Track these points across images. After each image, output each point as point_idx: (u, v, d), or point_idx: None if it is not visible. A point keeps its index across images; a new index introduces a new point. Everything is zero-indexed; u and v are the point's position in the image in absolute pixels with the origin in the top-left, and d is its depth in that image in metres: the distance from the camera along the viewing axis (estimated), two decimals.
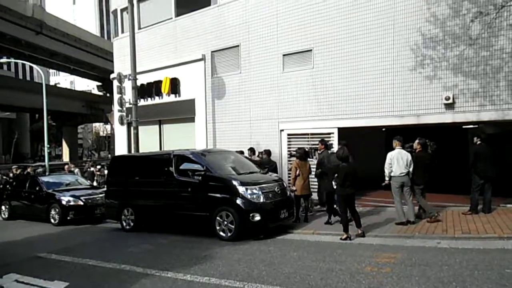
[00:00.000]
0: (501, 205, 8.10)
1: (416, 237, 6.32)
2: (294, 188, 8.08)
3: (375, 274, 4.62)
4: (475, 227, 6.50)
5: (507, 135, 10.60)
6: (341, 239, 6.51)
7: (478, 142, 7.58)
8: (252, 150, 10.54)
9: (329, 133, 10.38)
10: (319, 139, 8.89)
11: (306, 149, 8.97)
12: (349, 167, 6.56)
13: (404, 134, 13.31)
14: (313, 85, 10.59)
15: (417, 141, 7.48)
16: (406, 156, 7.18)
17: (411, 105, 9.08)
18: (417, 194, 7.29)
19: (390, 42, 9.27)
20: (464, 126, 11.69)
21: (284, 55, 11.12)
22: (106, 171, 13.95)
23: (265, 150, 10.04)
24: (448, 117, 8.67)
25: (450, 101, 8.47)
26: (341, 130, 10.22)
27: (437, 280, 4.27)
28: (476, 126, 10.95)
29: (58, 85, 62.80)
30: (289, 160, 11.21)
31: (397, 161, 7.09)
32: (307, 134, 10.85)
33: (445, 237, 6.16)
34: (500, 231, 6.12)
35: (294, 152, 8.86)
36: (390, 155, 7.24)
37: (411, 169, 7.14)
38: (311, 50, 10.58)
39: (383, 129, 13.50)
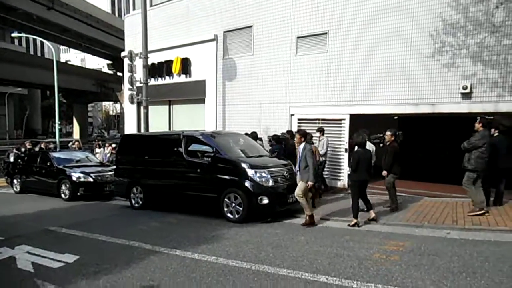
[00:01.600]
0: None
1: (425, 226, 6.26)
2: None
3: (383, 261, 4.60)
4: (486, 219, 6.41)
5: None
6: (349, 225, 6.49)
7: (496, 134, 7.37)
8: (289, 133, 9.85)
9: (341, 119, 10.26)
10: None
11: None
12: (364, 153, 6.52)
13: (417, 122, 13.11)
14: (327, 70, 10.39)
15: (388, 132, 7.45)
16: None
17: (427, 93, 8.86)
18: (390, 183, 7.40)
19: (409, 27, 8.99)
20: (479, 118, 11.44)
21: (298, 37, 10.89)
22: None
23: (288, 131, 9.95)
24: (464, 107, 8.46)
25: (468, 90, 8.25)
26: (352, 117, 10.08)
27: (447, 270, 4.23)
28: (492, 117, 10.71)
29: (69, 62, 62.92)
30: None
31: None
32: (318, 119, 10.72)
33: (455, 227, 6.09)
34: (511, 223, 6.02)
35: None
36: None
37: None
38: (326, 33, 10.33)
39: (395, 117, 13.29)
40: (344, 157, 10.16)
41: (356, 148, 6.77)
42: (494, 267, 4.26)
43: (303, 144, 6.81)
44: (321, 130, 9.64)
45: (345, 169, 10.18)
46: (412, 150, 15.33)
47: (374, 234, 5.96)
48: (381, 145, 7.86)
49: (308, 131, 8.88)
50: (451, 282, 3.86)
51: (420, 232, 6.00)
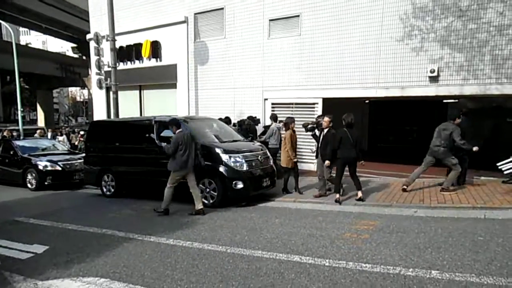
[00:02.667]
0: (475, 177, 8.42)
1: (394, 206, 6.52)
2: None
3: (354, 240, 4.76)
4: (450, 198, 6.75)
5: (485, 110, 10.89)
6: (336, 200, 6.88)
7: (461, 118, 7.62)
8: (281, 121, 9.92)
9: (314, 103, 10.36)
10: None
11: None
12: (349, 132, 6.70)
13: (387, 106, 13.48)
14: (300, 53, 10.40)
15: (326, 118, 7.21)
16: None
17: (396, 76, 9.10)
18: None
19: (380, 10, 9.11)
20: (445, 101, 11.92)
21: (270, 20, 10.80)
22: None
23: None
24: (431, 90, 8.76)
25: (435, 74, 8.53)
26: (325, 101, 10.20)
27: (414, 246, 4.44)
28: (457, 100, 11.18)
29: (29, 45, 59.40)
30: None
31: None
32: (292, 103, 10.78)
33: (422, 206, 6.38)
34: (473, 201, 6.38)
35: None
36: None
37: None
38: (298, 16, 10.30)
39: (366, 101, 13.58)
40: None
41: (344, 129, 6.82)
42: (457, 242, 4.52)
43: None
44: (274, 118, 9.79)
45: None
46: (383, 133, 15.86)
47: (346, 215, 6.15)
48: (315, 131, 7.62)
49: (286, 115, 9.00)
50: (418, 257, 4.06)
51: (389, 212, 6.24)
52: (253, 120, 10.23)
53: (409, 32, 8.76)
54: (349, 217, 5.97)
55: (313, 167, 10.57)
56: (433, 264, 3.85)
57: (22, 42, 64.19)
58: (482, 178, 8.42)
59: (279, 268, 3.94)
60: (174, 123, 6.79)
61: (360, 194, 6.91)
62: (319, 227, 5.42)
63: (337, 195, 6.95)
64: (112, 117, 12.22)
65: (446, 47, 8.48)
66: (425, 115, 14.62)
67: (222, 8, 11.63)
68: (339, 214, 6.20)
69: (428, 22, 8.56)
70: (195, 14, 12.23)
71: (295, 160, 7.71)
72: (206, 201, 7.09)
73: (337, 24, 9.71)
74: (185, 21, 12.36)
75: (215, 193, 6.99)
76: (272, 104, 11.15)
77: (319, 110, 10.23)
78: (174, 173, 6.60)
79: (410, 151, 12.94)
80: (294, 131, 7.76)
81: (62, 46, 67.84)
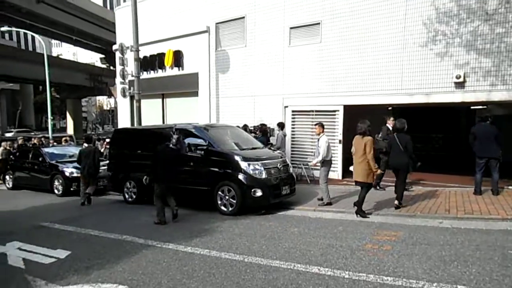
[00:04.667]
0: (505, 187, 8.02)
1: (418, 216, 6.28)
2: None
3: (375, 252, 4.60)
4: (479, 208, 6.44)
5: None
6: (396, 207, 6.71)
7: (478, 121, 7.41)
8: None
9: (335, 111, 10.23)
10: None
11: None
12: (401, 138, 6.61)
13: (411, 113, 13.14)
14: (320, 60, 10.32)
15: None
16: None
17: (421, 83, 8.85)
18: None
19: (402, 16, 8.94)
20: (472, 107, 11.50)
21: (291, 28, 10.80)
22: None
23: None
24: (457, 97, 8.46)
25: (461, 79, 8.23)
26: (346, 108, 10.05)
27: (439, 259, 4.24)
28: (485, 107, 10.74)
29: (60, 56, 62.10)
30: (292, 138, 11.13)
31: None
32: (312, 111, 10.69)
33: (448, 217, 6.11)
34: (503, 212, 6.06)
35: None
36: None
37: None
38: (319, 24, 10.25)
39: (389, 108, 13.30)
40: (338, 148, 10.13)
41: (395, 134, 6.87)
42: (485, 255, 4.28)
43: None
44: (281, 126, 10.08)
45: (339, 161, 10.16)
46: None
47: (367, 225, 5.97)
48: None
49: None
50: (442, 271, 3.87)
51: (413, 222, 6.01)
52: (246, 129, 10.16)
53: (433, 37, 8.53)
54: (371, 227, 5.80)
55: (334, 175, 10.40)
56: (459, 279, 3.66)
57: (54, 54, 67.23)
58: None
59: (296, 279, 3.86)
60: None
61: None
62: (339, 237, 5.29)
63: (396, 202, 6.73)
64: (135, 125, 12.51)
65: (472, 52, 8.18)
66: (451, 122, 14.14)
67: (243, 17, 11.74)
68: (360, 224, 6.03)
69: (453, 27, 8.30)
70: (217, 23, 12.41)
71: (377, 172, 6.52)
72: (225, 209, 7.09)
73: (358, 30, 9.59)
74: (206, 31, 12.57)
75: (234, 201, 6.98)
76: (293, 111, 11.10)
77: (340, 118, 10.09)
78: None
79: (436, 159, 12.51)
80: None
81: (91, 57, 70.53)
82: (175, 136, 7.27)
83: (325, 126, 10.15)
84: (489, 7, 7.82)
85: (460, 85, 8.36)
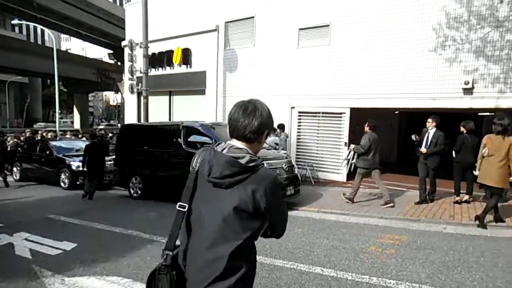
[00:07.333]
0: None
1: (422, 221, 6.28)
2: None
3: (379, 255, 4.62)
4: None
5: None
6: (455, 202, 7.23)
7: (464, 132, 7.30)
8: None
9: (341, 113, 10.23)
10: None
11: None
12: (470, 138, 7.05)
13: (417, 117, 13.08)
14: (328, 62, 10.33)
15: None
16: None
17: (428, 87, 8.83)
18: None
19: (412, 20, 8.92)
20: (480, 114, 11.43)
21: (300, 29, 10.82)
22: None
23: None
24: (465, 103, 8.43)
25: (469, 85, 8.21)
26: (353, 110, 10.05)
27: (442, 264, 4.25)
28: (493, 113, 10.67)
29: (69, 51, 62.54)
30: (298, 139, 11.15)
31: None
32: (318, 112, 10.70)
33: (452, 222, 6.11)
34: (509, 220, 6.04)
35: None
36: None
37: None
38: (328, 26, 10.26)
39: (396, 112, 13.26)
40: (344, 151, 10.14)
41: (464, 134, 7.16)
42: (489, 262, 4.28)
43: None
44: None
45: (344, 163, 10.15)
46: (414, 145, 15.36)
47: (371, 228, 5.99)
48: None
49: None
50: (446, 276, 3.88)
51: (417, 227, 6.01)
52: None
53: (443, 43, 8.50)
54: (375, 230, 5.81)
55: (338, 177, 10.41)
56: (462, 284, 3.67)
57: (63, 48, 67.72)
58: None
59: (299, 279, 3.89)
60: None
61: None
62: (342, 239, 5.31)
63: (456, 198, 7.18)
64: (142, 121, 12.60)
65: (481, 58, 8.15)
66: (457, 128, 14.05)
67: (253, 17, 11.78)
68: (364, 227, 6.05)
69: (463, 33, 8.27)
70: (226, 22, 12.46)
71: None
72: None
73: (368, 33, 9.59)
74: (216, 29, 12.61)
75: None
76: (299, 112, 11.11)
77: (346, 120, 10.09)
78: None
79: (442, 165, 12.43)
80: None
81: (99, 53, 70.95)
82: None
83: (330, 129, 10.21)
84: (500, 14, 7.78)
85: (468, 91, 8.33)
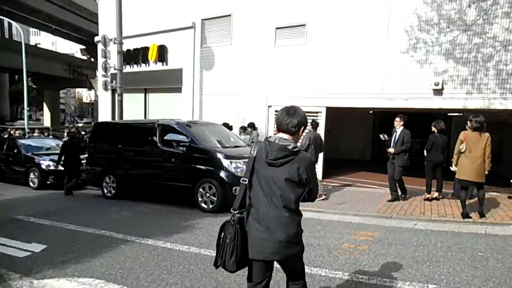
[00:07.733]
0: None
1: (394, 218, 6.47)
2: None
3: (352, 251, 4.72)
4: (452, 211, 6.70)
5: (489, 125, 10.80)
6: (424, 199, 7.55)
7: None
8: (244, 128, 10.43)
9: (317, 112, 10.36)
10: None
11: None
12: (440, 137, 7.34)
13: (391, 117, 13.44)
14: (305, 62, 10.44)
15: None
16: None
17: (401, 88, 9.10)
18: None
19: (386, 22, 9.16)
20: (449, 114, 11.88)
21: (277, 28, 10.87)
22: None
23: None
24: (435, 103, 8.74)
25: (439, 86, 8.52)
26: (329, 110, 10.21)
27: (412, 259, 4.39)
28: (461, 114, 11.13)
29: (38, 46, 60.09)
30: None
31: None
32: None
33: (422, 219, 6.32)
34: (475, 216, 6.31)
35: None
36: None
37: None
38: (305, 25, 10.37)
39: (370, 112, 13.56)
40: None
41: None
42: (456, 256, 4.47)
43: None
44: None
45: (320, 161, 10.31)
46: (387, 145, 15.77)
47: (345, 225, 6.11)
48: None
49: None
50: (415, 271, 4.02)
51: (389, 223, 6.19)
52: (227, 127, 10.00)
53: (414, 45, 8.78)
54: (349, 227, 5.93)
55: None
56: (430, 278, 3.81)
57: (32, 43, 64.97)
58: (492, 193, 8.32)
59: (275, 276, 3.87)
60: None
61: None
62: (317, 236, 5.39)
63: (427, 195, 7.52)
64: (116, 119, 12.30)
65: (450, 61, 8.48)
66: (429, 128, 14.55)
67: (230, 15, 11.73)
68: (338, 224, 6.16)
69: (433, 35, 8.58)
70: (203, 20, 12.34)
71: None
72: (205, 206, 7.09)
73: (343, 34, 9.76)
74: (192, 27, 12.48)
75: (215, 198, 6.99)
76: (276, 111, 11.17)
77: (322, 119, 10.23)
78: None
79: (414, 163, 12.84)
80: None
81: (71, 48, 68.58)
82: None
83: (307, 128, 10.27)
84: (468, 18, 8.12)
85: (438, 92, 8.65)
